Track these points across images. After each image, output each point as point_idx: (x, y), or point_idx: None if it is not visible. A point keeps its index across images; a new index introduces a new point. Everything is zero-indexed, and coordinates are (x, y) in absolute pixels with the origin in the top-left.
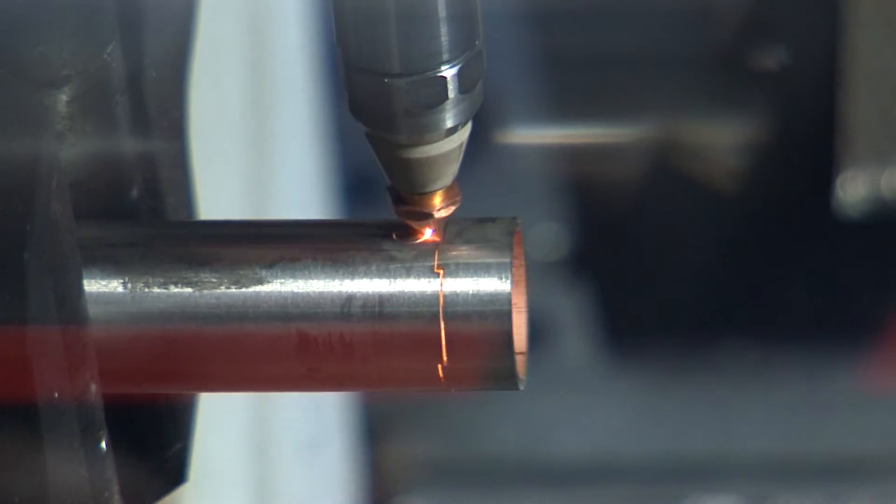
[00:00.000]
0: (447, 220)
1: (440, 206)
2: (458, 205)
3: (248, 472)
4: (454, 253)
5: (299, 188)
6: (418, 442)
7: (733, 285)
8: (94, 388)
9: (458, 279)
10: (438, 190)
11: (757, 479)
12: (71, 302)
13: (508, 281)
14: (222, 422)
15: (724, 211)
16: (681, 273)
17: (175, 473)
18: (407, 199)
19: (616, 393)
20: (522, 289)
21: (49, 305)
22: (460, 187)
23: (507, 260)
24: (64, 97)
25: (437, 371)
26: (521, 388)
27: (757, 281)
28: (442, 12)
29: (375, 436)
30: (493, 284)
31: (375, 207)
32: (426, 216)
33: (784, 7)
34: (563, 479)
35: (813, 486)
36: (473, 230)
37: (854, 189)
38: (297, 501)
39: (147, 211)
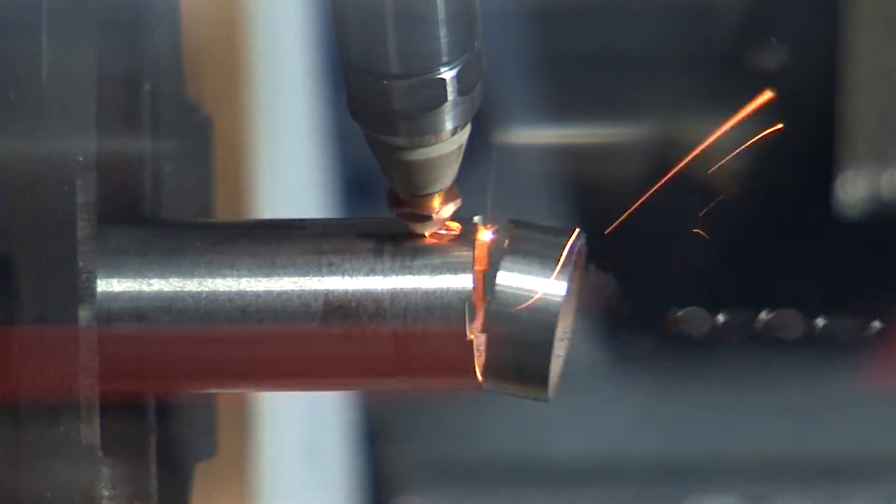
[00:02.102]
0: (515, 224)
1: (439, 208)
2: (458, 206)
3: (248, 471)
4: (514, 254)
5: (299, 187)
6: (418, 442)
7: (733, 285)
8: (90, 387)
9: (512, 277)
10: (438, 192)
11: (757, 479)
12: (68, 302)
13: (565, 286)
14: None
15: (725, 211)
16: (681, 273)
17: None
18: (406, 201)
19: (616, 393)
20: (574, 308)
21: (40, 305)
22: (461, 186)
23: (566, 270)
24: None
25: (475, 369)
26: (548, 399)
27: (757, 280)
28: (441, 14)
29: (375, 436)
30: (546, 287)
31: (376, 207)
32: (425, 218)
33: (784, 7)
34: (563, 479)
35: (813, 486)
36: (537, 237)
37: (854, 189)
38: (297, 501)
39: (151, 211)
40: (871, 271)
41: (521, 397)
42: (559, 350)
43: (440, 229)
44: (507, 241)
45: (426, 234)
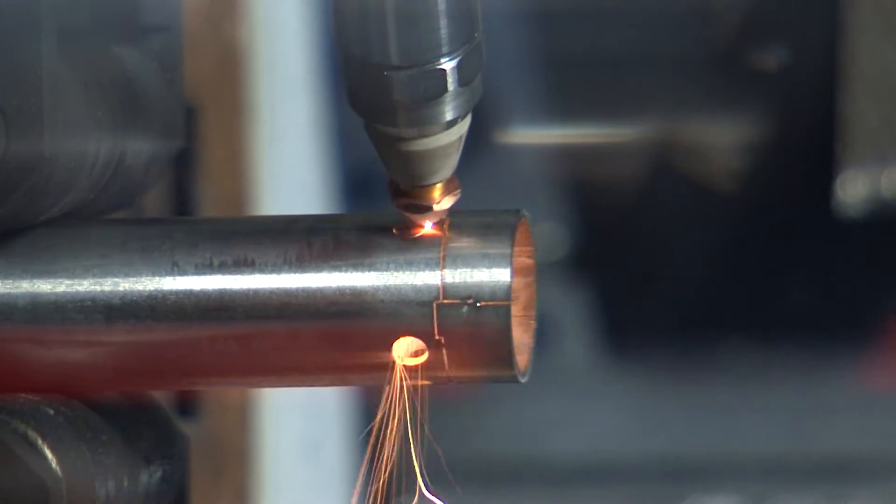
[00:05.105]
0: (449, 213)
1: (440, 199)
2: (457, 197)
3: (248, 471)
4: (455, 245)
5: (299, 186)
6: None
7: (733, 285)
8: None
9: (458, 270)
10: (438, 182)
11: (757, 479)
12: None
13: (508, 271)
14: (224, 421)
15: (724, 211)
16: (681, 273)
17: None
18: (407, 191)
19: (616, 393)
20: (530, 281)
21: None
22: (461, 186)
23: (507, 250)
24: None
25: (441, 363)
26: (523, 381)
27: (757, 281)
28: (441, 5)
29: (375, 436)
30: (492, 275)
31: (375, 206)
32: (426, 209)
33: (784, 7)
34: (563, 479)
35: (813, 486)
36: (475, 222)
37: (854, 189)
38: (297, 501)
39: (148, 209)
40: (871, 271)
41: (493, 382)
42: (524, 321)
43: (437, 220)
44: (445, 235)
45: (425, 224)
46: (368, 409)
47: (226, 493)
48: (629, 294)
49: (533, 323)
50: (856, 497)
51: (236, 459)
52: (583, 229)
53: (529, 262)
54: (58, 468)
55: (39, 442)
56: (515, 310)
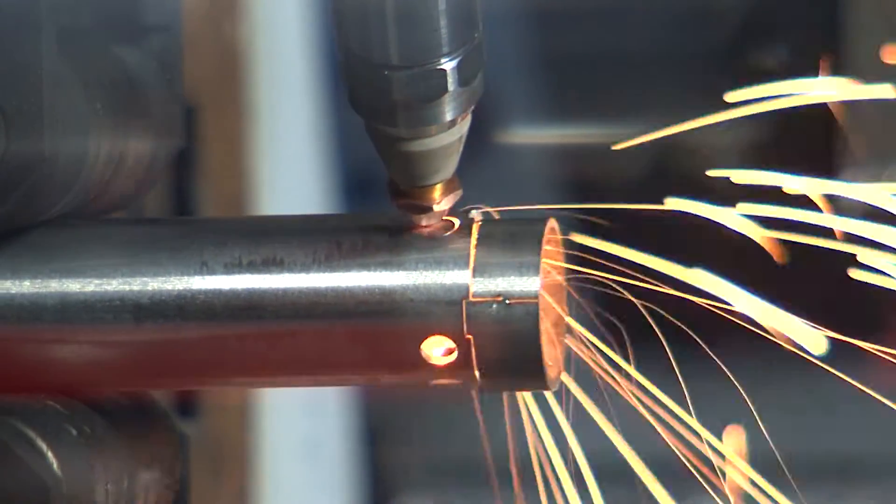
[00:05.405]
0: (482, 218)
1: (440, 199)
2: (458, 198)
3: (248, 471)
4: (484, 243)
5: (299, 186)
6: (418, 442)
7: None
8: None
9: (487, 267)
10: (438, 183)
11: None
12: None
13: (538, 268)
14: (224, 422)
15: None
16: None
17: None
18: (407, 191)
19: (616, 393)
20: (560, 289)
21: None
22: (461, 186)
23: (536, 247)
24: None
25: (470, 363)
26: (553, 388)
27: (756, 281)
28: (441, 5)
29: (375, 436)
30: (522, 271)
31: (375, 206)
32: (426, 209)
33: (784, 7)
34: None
35: (813, 486)
36: (506, 221)
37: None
38: (297, 501)
39: (148, 209)
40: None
41: (522, 391)
42: (553, 336)
43: (440, 221)
44: (476, 232)
45: (426, 225)
46: (368, 409)
47: (226, 493)
48: (629, 293)
49: (563, 339)
50: (856, 497)
51: (236, 459)
52: (582, 229)
53: (560, 280)
54: (58, 468)
55: (39, 442)
56: (545, 325)
